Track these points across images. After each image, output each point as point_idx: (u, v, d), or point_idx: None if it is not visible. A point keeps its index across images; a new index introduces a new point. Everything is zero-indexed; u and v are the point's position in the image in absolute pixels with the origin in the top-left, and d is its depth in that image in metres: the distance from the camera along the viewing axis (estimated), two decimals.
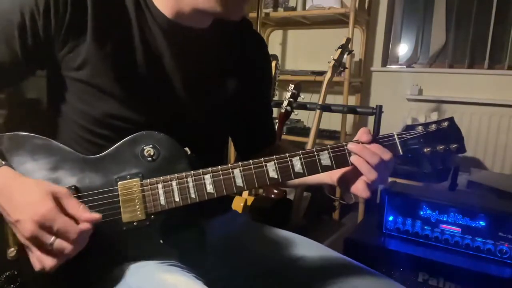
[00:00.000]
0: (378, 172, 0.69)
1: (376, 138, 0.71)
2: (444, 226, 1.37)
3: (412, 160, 0.73)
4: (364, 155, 0.69)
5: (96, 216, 0.65)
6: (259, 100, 0.98)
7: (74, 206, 0.64)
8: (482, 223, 1.31)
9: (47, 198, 0.62)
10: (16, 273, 0.69)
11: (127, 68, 0.75)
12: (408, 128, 0.72)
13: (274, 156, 0.71)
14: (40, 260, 0.62)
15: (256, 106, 0.96)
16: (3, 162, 0.68)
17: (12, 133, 0.73)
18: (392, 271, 1.38)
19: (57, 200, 0.63)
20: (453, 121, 0.72)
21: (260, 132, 1.00)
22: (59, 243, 0.61)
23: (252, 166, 0.71)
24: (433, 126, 0.71)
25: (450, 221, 1.36)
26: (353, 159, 0.70)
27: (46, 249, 0.62)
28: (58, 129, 0.79)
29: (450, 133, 0.71)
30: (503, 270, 1.25)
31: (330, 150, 0.71)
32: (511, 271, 1.24)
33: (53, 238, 0.61)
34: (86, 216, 0.64)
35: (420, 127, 0.71)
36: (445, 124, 0.71)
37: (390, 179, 1.95)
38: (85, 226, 0.63)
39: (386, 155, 0.69)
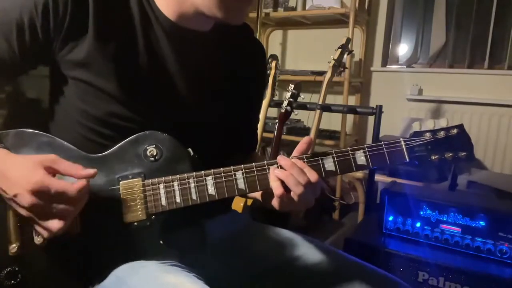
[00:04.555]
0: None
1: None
2: (444, 226, 1.37)
3: (419, 166, 0.72)
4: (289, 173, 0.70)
5: (91, 171, 0.66)
6: (247, 107, 0.96)
7: (67, 166, 0.66)
8: (482, 223, 1.31)
9: (37, 167, 0.63)
10: (17, 269, 0.69)
11: (130, 70, 0.75)
12: (416, 134, 0.70)
13: (277, 160, 0.71)
14: (46, 227, 0.63)
15: (242, 110, 0.94)
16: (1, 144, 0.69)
17: (18, 129, 0.73)
18: (392, 271, 1.37)
19: (48, 168, 0.64)
20: (462, 128, 0.70)
21: (238, 136, 0.96)
22: (61, 205, 0.63)
23: (255, 169, 0.72)
24: (442, 133, 0.69)
25: (450, 221, 1.36)
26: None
27: (50, 214, 0.63)
28: (60, 128, 0.79)
29: (459, 140, 0.69)
30: (503, 270, 1.25)
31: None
32: (511, 271, 1.24)
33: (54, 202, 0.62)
34: (82, 172, 0.65)
35: (428, 134, 0.70)
36: (454, 131, 0.70)
37: (390, 179, 1.94)
38: (81, 183, 0.64)
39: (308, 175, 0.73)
